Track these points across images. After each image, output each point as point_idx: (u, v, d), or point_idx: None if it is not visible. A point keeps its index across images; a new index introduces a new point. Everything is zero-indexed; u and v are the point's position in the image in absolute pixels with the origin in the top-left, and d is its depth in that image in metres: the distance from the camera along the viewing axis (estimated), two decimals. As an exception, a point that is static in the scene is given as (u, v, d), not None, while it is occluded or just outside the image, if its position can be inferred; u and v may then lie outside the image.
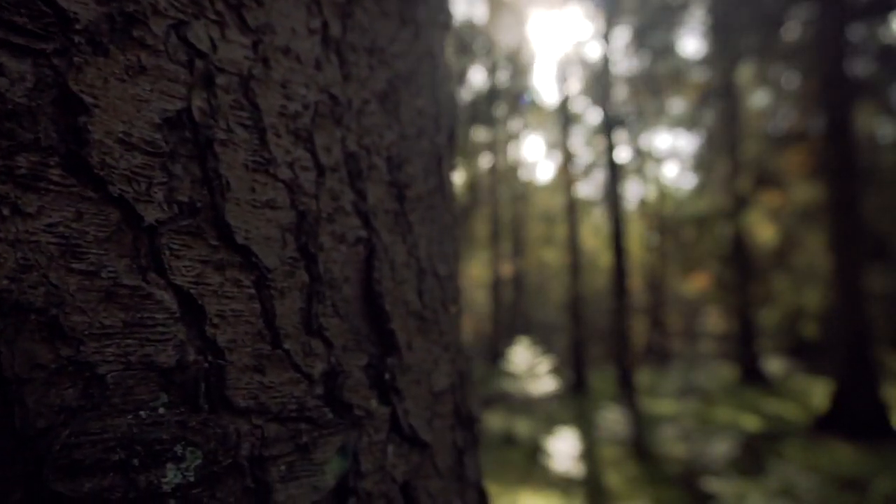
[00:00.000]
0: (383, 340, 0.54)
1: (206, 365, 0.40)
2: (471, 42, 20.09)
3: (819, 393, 14.13)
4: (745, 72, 18.22)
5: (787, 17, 13.62)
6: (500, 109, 20.26)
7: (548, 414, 12.80)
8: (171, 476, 0.36)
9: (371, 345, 0.53)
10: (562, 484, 8.12)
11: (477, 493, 0.72)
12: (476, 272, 31.86)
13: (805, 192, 16.36)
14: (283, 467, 0.43)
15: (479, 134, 22.37)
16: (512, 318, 24.76)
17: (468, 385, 0.78)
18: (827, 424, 10.72)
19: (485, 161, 23.90)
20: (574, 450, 8.17)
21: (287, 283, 0.46)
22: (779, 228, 18.30)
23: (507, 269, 25.48)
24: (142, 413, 0.36)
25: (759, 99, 21.27)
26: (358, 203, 0.54)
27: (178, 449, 0.36)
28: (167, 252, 0.39)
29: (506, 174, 26.93)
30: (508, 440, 10.73)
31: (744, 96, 20.86)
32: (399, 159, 0.61)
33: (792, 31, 14.64)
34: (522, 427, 11.40)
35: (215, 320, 0.41)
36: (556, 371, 17.97)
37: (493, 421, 12.30)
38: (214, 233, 0.42)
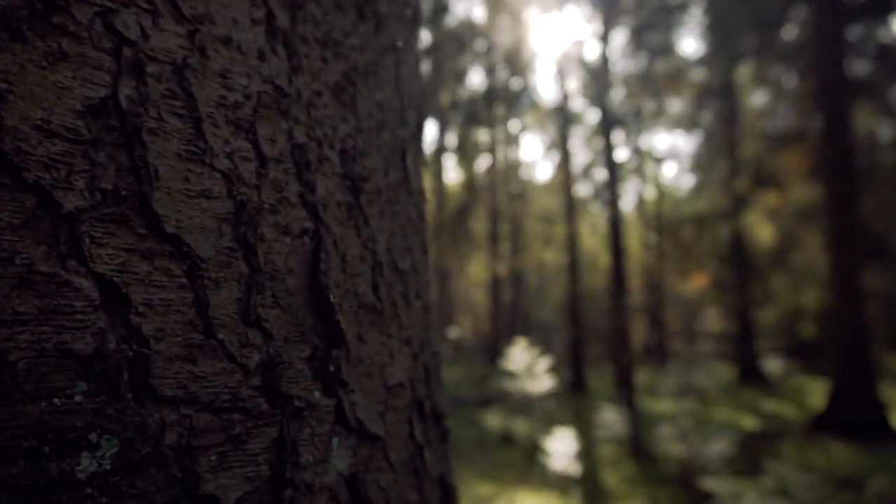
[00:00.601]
0: (329, 332, 0.53)
1: (131, 354, 0.39)
2: (470, 42, 20.10)
3: (817, 393, 14.12)
4: (743, 72, 18.22)
5: (786, 17, 13.61)
6: (498, 109, 20.26)
7: (546, 413, 12.80)
8: (86, 464, 0.36)
9: (316, 337, 0.52)
10: (560, 483, 8.12)
11: (440, 489, 0.72)
12: (475, 272, 31.87)
13: (804, 191, 16.36)
14: (213, 457, 0.43)
15: (478, 134, 22.39)
16: (511, 318, 24.77)
17: (435, 381, 0.78)
18: (824, 424, 10.72)
19: (483, 161, 23.92)
20: (572, 449, 8.18)
21: (223, 273, 0.46)
22: (777, 228, 18.29)
23: (505, 269, 25.50)
24: (56, 400, 0.35)
25: (757, 99, 21.27)
26: (305, 194, 0.54)
27: (93, 437, 0.36)
28: (88, 240, 0.38)
29: (504, 174, 26.94)
30: (507, 440, 10.74)
31: (742, 96, 20.86)
32: (355, 152, 0.61)
33: (790, 31, 14.63)
34: (521, 427, 11.41)
35: (141, 309, 0.41)
36: (554, 371, 17.96)
37: (492, 420, 12.31)
38: (142, 221, 0.42)
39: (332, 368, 0.53)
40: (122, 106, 0.41)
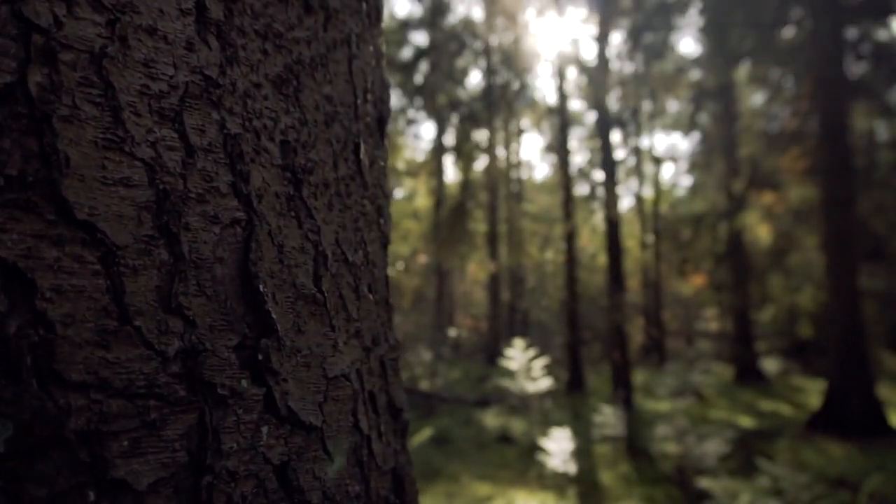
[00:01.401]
0: (259, 322, 0.54)
1: (36, 338, 0.40)
2: (468, 42, 20.11)
3: (815, 392, 14.13)
4: (740, 72, 18.22)
5: (783, 17, 13.61)
6: (497, 109, 20.27)
7: (544, 413, 12.81)
8: (-23, 447, 0.36)
9: (246, 326, 0.53)
10: (556, 482, 8.13)
11: (392, 481, 0.72)
12: (475, 272, 31.87)
13: (802, 191, 16.36)
14: (125, 443, 0.43)
15: (477, 134, 22.40)
16: (510, 318, 24.78)
17: (392, 374, 0.78)
18: (821, 423, 10.72)
19: (482, 161, 23.93)
20: (569, 448, 8.19)
21: (142, 260, 0.46)
22: (775, 228, 18.30)
23: (504, 269, 25.49)
24: (-51, 384, 0.36)
25: (755, 99, 21.27)
26: (238, 184, 0.54)
27: (-14, 421, 0.36)
28: (-11, 225, 0.39)
29: (503, 173, 26.94)
30: (505, 439, 10.75)
31: (739, 96, 20.87)
32: (297, 144, 0.61)
33: (788, 31, 14.63)
34: (518, 426, 11.42)
35: (48, 294, 0.41)
36: (553, 370, 17.98)
37: (490, 420, 12.32)
38: (51, 208, 0.42)
39: (261, 357, 0.53)
40: (30, 93, 0.41)
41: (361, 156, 0.72)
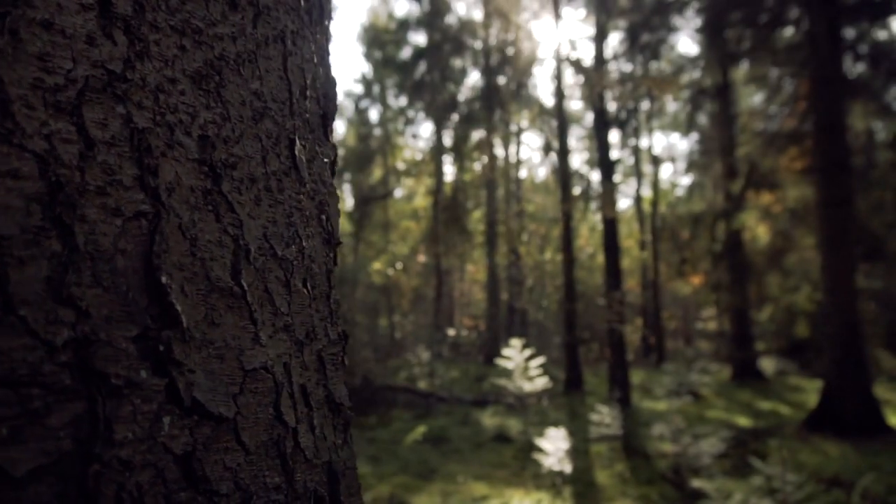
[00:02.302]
0: (163, 313, 0.54)
1: None
2: (467, 42, 20.12)
3: (813, 392, 14.12)
4: (738, 72, 18.21)
5: (781, 17, 13.60)
6: (495, 109, 20.28)
7: (541, 412, 12.83)
8: None
9: (149, 317, 0.53)
10: (552, 481, 8.14)
11: (326, 474, 0.73)
12: (474, 271, 31.88)
13: (800, 191, 16.35)
14: (4, 430, 0.44)
15: (475, 133, 22.40)
16: (509, 318, 24.79)
17: (332, 368, 0.79)
18: (818, 422, 10.72)
19: (481, 160, 23.94)
20: (565, 448, 8.20)
21: (30, 251, 0.47)
22: (773, 228, 18.29)
23: (502, 268, 25.49)
24: None
25: (752, 98, 21.27)
26: (145, 178, 0.55)
27: None
28: None
29: (502, 173, 26.95)
30: (501, 438, 10.76)
31: (737, 96, 20.86)
32: (218, 139, 0.62)
33: (785, 30, 14.62)
34: (515, 425, 11.44)
35: None
36: (551, 370, 18.00)
37: (487, 419, 12.34)
38: None
39: (162, 348, 0.53)
40: None
41: (296, 151, 0.73)
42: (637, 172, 27.13)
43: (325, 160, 0.83)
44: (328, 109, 0.84)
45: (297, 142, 0.73)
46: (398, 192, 31.01)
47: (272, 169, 0.68)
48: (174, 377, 0.54)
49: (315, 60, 0.80)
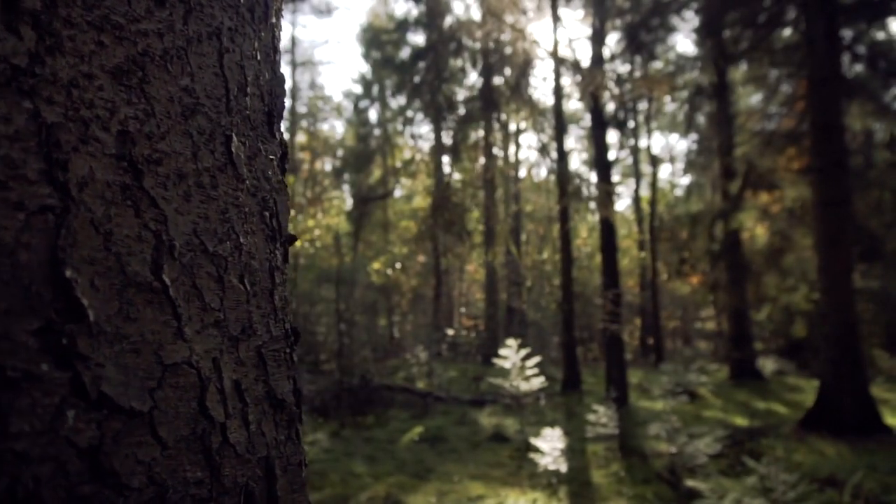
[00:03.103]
0: (69, 307, 0.55)
1: None
2: (466, 42, 20.11)
3: (811, 391, 14.12)
4: (736, 72, 18.21)
5: (779, 17, 13.60)
6: (494, 109, 20.27)
7: (538, 412, 12.83)
8: None
9: (53, 311, 0.54)
10: (548, 481, 8.15)
11: (262, 469, 0.73)
12: (474, 271, 31.87)
13: (798, 191, 16.34)
14: None
15: (474, 133, 22.40)
16: (508, 318, 24.78)
17: (274, 364, 0.79)
18: (814, 422, 10.72)
19: (480, 160, 23.93)
20: (560, 447, 8.20)
21: None
22: (772, 228, 18.29)
23: (501, 269, 25.47)
24: None
25: (751, 98, 21.26)
26: (53, 172, 0.55)
27: None
28: None
29: (501, 173, 26.95)
30: (498, 438, 10.77)
31: (736, 96, 20.85)
32: (140, 134, 0.62)
33: (783, 30, 14.62)
34: (512, 425, 11.45)
35: None
36: (550, 370, 18.00)
37: (484, 419, 12.35)
38: None
39: (66, 342, 0.54)
40: None
41: (233, 148, 0.74)
42: (636, 172, 27.13)
43: (271, 157, 0.83)
44: (274, 107, 0.84)
45: (235, 138, 0.74)
46: (397, 192, 31.01)
47: (205, 165, 0.69)
48: (79, 371, 0.54)
49: (258, 58, 0.81)
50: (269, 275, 0.80)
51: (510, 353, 10.27)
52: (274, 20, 0.87)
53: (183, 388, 0.63)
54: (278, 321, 0.82)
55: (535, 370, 10.45)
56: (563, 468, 8.09)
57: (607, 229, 12.66)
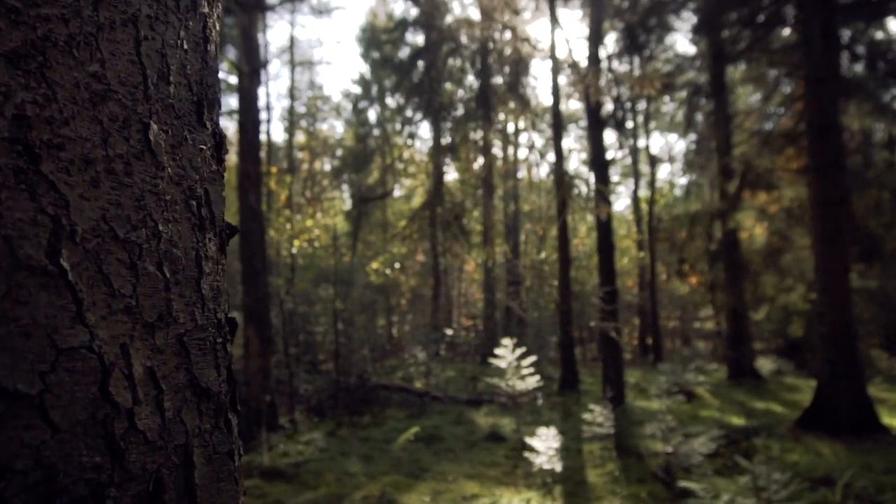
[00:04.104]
0: None
1: None
2: (463, 41, 20.10)
3: (809, 391, 14.11)
4: (735, 71, 18.19)
5: (777, 17, 13.59)
6: (492, 109, 20.27)
7: (535, 412, 12.83)
8: None
9: None
10: (543, 480, 8.15)
11: (179, 457, 0.73)
12: (473, 270, 31.86)
13: (796, 191, 16.34)
14: None
15: (473, 133, 22.39)
16: (506, 317, 24.78)
17: (199, 354, 0.79)
18: (811, 421, 10.71)
19: (479, 160, 23.93)
20: (555, 447, 8.20)
21: None
22: (770, 228, 18.27)
23: (500, 269, 25.47)
24: None
25: (749, 98, 21.24)
26: None
27: None
28: None
29: (500, 173, 26.95)
30: (494, 437, 10.77)
31: (735, 96, 20.84)
32: (39, 119, 0.62)
33: (781, 30, 14.61)
34: (508, 424, 11.45)
35: None
36: (547, 369, 17.99)
37: (480, 418, 12.35)
38: None
39: None
40: None
41: (151, 136, 0.73)
42: (635, 172, 27.11)
43: (201, 147, 0.83)
44: (204, 96, 0.84)
45: (154, 126, 0.74)
46: (396, 192, 31.01)
47: (117, 152, 0.68)
48: None
49: (185, 47, 0.81)
50: (196, 263, 0.80)
51: (506, 353, 10.27)
52: (206, 10, 0.87)
53: (81, 373, 0.62)
54: (207, 310, 0.82)
55: (531, 369, 10.44)
56: (558, 467, 8.09)
57: (604, 229, 12.65)
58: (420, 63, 22.05)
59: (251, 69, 11.06)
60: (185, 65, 0.81)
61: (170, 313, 0.74)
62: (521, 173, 30.06)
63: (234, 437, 0.86)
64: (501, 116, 21.68)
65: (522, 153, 26.86)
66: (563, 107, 24.33)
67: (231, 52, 17.84)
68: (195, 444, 0.76)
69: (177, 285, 0.76)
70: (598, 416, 9.91)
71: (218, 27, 0.93)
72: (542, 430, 8.34)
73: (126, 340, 0.67)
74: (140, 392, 0.68)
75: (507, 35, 14.69)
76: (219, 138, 0.90)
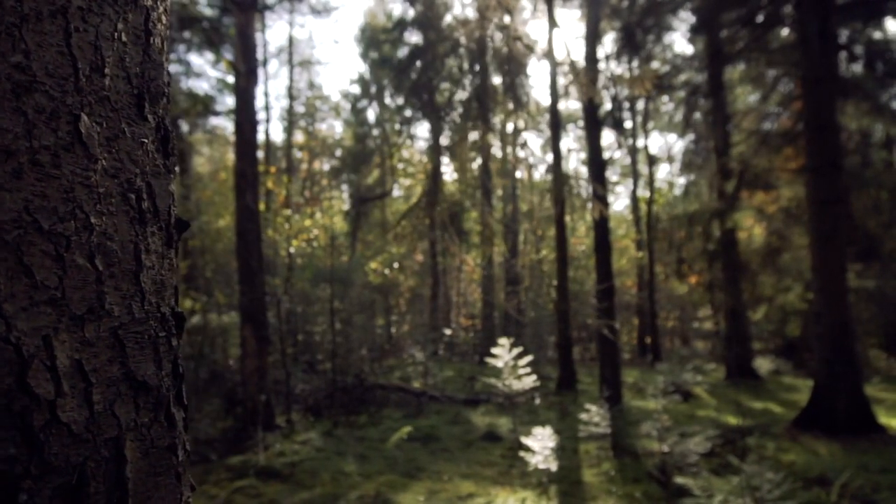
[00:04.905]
0: None
1: None
2: (462, 41, 20.10)
3: (807, 391, 14.09)
4: (734, 71, 18.17)
5: (776, 16, 13.58)
6: (491, 109, 20.27)
7: (532, 411, 12.83)
8: None
9: None
10: (538, 480, 8.14)
11: (110, 450, 0.73)
12: (471, 270, 31.85)
13: (794, 191, 16.33)
14: None
15: (472, 133, 22.39)
16: (505, 317, 24.77)
17: (136, 348, 0.79)
18: (807, 421, 10.70)
19: (478, 160, 23.93)
20: (552, 446, 8.19)
21: None
22: (768, 227, 18.26)
23: (498, 268, 25.47)
24: None
25: (747, 98, 21.22)
26: None
27: None
28: None
29: (499, 173, 26.95)
30: (490, 437, 10.77)
31: (733, 95, 20.82)
32: None
33: (780, 29, 14.60)
34: (505, 424, 11.45)
35: None
36: (547, 369, 17.98)
37: (477, 418, 12.34)
38: None
39: None
40: None
41: (82, 128, 0.73)
42: (634, 172, 27.10)
43: (143, 140, 0.83)
44: (145, 90, 0.83)
45: (85, 118, 0.73)
46: (396, 192, 30.99)
47: (43, 143, 0.68)
48: None
49: (124, 39, 0.80)
50: (135, 257, 0.79)
51: (502, 353, 10.26)
52: (149, 3, 0.87)
53: None
54: (148, 304, 0.81)
55: (528, 369, 10.44)
56: (554, 467, 8.08)
57: (601, 228, 12.65)
58: (418, 63, 22.05)
59: (248, 68, 11.06)
60: (124, 57, 0.80)
61: (102, 306, 0.74)
62: (520, 173, 30.05)
63: (178, 431, 0.86)
64: (500, 116, 21.68)
65: (521, 153, 26.82)
66: (562, 107, 24.37)
67: (229, 52, 17.86)
68: (130, 438, 0.75)
69: (111, 278, 0.75)
70: (594, 415, 9.90)
71: (165, 21, 0.92)
72: (537, 430, 8.33)
73: (49, 332, 0.67)
74: (65, 384, 0.68)
75: (505, 35, 14.69)
76: (164, 132, 0.89)
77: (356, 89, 31.39)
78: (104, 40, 0.77)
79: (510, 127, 26.00)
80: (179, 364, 0.90)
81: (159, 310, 0.84)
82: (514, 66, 16.26)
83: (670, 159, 29.70)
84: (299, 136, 31.61)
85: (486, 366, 18.56)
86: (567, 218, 26.34)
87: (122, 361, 0.76)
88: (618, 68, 19.13)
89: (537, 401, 13.92)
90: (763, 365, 18.54)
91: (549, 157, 24.09)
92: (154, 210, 0.84)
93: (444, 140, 22.56)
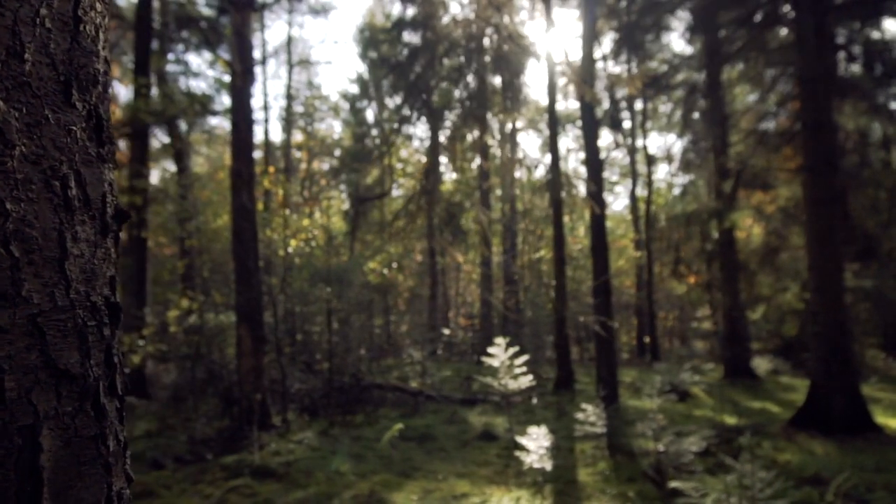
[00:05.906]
0: None
1: None
2: (460, 41, 20.09)
3: (804, 391, 14.07)
4: (732, 70, 18.15)
5: (774, 16, 13.56)
6: (490, 109, 20.27)
7: (529, 411, 12.82)
8: None
9: None
10: (533, 479, 8.13)
11: (26, 439, 0.72)
12: (470, 270, 31.85)
13: (791, 190, 16.31)
14: None
15: (471, 133, 22.39)
16: (503, 317, 24.76)
17: (59, 336, 0.78)
18: (804, 420, 10.69)
19: (477, 160, 23.93)
20: (547, 446, 8.18)
21: None
22: (766, 227, 18.24)
23: (497, 268, 25.46)
24: None
25: (746, 97, 21.20)
26: None
27: None
28: None
29: (497, 173, 26.93)
30: (486, 436, 10.76)
31: (731, 96, 20.79)
32: None
33: (777, 29, 14.57)
34: (501, 424, 11.44)
35: None
36: (545, 369, 17.97)
37: (474, 418, 12.33)
38: None
39: None
40: None
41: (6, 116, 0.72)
42: (633, 172, 27.07)
43: (70, 128, 0.82)
44: (73, 76, 0.83)
45: (1, 103, 0.72)
46: (395, 192, 30.97)
47: None
48: None
49: (48, 25, 0.79)
50: (59, 244, 0.79)
51: (498, 352, 10.25)
52: None
53: None
54: (74, 292, 0.80)
55: (524, 369, 10.42)
56: (549, 466, 8.06)
57: (598, 228, 12.63)
58: (417, 62, 22.03)
59: (244, 68, 11.05)
60: (48, 44, 0.79)
61: (19, 293, 0.73)
62: (518, 173, 30.02)
63: (109, 421, 0.85)
64: (499, 116, 21.67)
65: (520, 152, 26.80)
66: (560, 107, 24.39)
67: (227, 52, 17.85)
68: (48, 427, 0.75)
69: (30, 265, 0.74)
70: (590, 415, 9.88)
71: (100, 9, 0.91)
72: (533, 430, 8.32)
73: None
74: (23, 377, 0.67)
75: (503, 35, 14.69)
76: (97, 120, 0.89)
77: (355, 89, 31.39)
78: (23, 25, 0.76)
79: (508, 127, 26.00)
80: (114, 354, 0.89)
81: (89, 298, 0.83)
82: (511, 66, 16.25)
83: (669, 159, 29.65)
84: (298, 136, 31.62)
85: (483, 365, 18.55)
86: (566, 218, 26.36)
87: (42, 349, 0.75)
88: (615, 68, 19.12)
89: (534, 400, 13.91)
90: (761, 365, 18.52)
91: (548, 157, 24.10)
92: (84, 198, 0.84)
93: (443, 139, 22.57)
